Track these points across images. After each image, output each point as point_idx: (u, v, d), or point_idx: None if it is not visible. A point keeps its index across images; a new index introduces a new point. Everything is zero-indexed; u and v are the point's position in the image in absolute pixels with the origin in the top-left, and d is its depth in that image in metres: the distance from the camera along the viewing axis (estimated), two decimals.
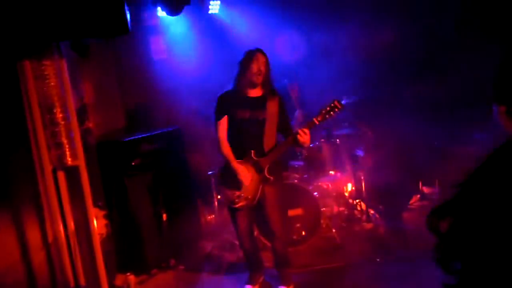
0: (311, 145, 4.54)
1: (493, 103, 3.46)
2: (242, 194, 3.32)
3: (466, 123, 4.87)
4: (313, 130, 3.34)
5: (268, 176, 3.31)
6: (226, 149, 3.38)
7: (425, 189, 5.50)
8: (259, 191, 3.33)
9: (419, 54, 5.56)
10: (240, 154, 3.36)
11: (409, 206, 5.19)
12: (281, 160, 3.59)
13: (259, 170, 3.32)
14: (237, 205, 3.33)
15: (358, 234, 4.66)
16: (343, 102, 3.35)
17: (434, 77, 5.44)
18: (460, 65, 5.10)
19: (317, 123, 3.27)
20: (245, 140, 3.34)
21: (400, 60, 5.61)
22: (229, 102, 3.38)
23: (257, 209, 3.42)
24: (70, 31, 2.83)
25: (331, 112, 3.25)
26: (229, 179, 3.35)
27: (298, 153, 4.72)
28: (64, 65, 3.01)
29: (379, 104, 5.32)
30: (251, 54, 3.29)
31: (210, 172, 4.74)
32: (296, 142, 3.25)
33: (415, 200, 5.36)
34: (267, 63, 3.31)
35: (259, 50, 3.32)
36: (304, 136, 3.21)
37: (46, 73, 2.95)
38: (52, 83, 2.97)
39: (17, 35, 2.75)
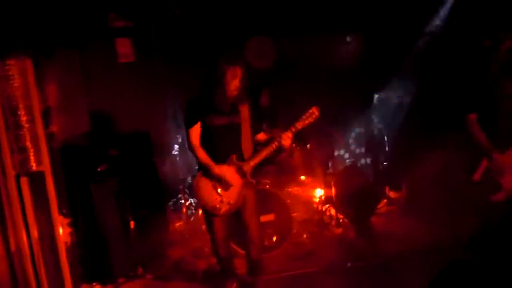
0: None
1: (465, 112, 3.56)
2: (224, 200, 3.24)
3: (433, 128, 5.00)
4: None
5: (250, 180, 3.26)
6: (203, 154, 3.28)
7: (392, 194, 5.60)
8: (242, 196, 3.27)
9: (386, 60, 5.67)
10: (220, 159, 3.28)
11: (376, 211, 5.25)
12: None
13: (242, 174, 3.25)
14: (220, 212, 3.25)
15: (329, 239, 4.68)
16: (318, 109, 3.33)
17: (405, 82, 5.57)
18: (431, 71, 5.24)
19: (299, 128, 3.23)
20: (224, 146, 3.27)
21: (369, 67, 5.72)
22: (203, 109, 3.29)
23: (235, 215, 3.36)
24: (40, 35, 2.70)
25: (310, 119, 3.23)
26: (208, 185, 3.27)
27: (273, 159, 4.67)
28: (30, 65, 2.85)
29: (349, 109, 5.41)
30: (228, 68, 3.13)
31: (181, 178, 4.64)
32: (280, 147, 3.22)
33: (382, 204, 5.43)
34: (244, 74, 3.20)
35: (237, 62, 3.16)
36: (287, 140, 3.18)
37: (10, 73, 2.79)
38: (16, 84, 2.81)
39: None
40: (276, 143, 3.21)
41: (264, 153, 3.27)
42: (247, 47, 5.60)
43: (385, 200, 5.52)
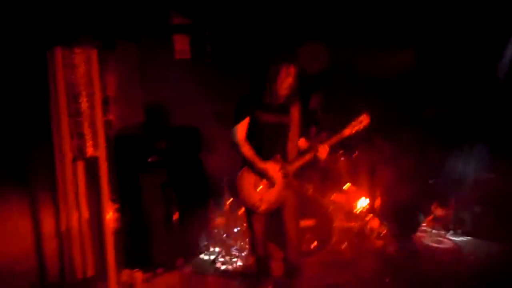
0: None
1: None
2: (264, 198, 3.27)
3: (484, 151, 4.85)
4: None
5: (293, 181, 3.28)
6: (249, 150, 3.29)
7: (438, 211, 5.43)
8: (282, 196, 3.29)
9: (436, 76, 5.55)
10: (265, 157, 3.30)
11: (421, 227, 5.12)
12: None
13: (285, 174, 3.27)
14: (259, 209, 3.28)
15: (368, 251, 4.60)
16: (368, 116, 3.30)
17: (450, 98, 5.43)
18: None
19: (346, 135, 3.22)
20: (270, 144, 3.28)
21: (418, 81, 5.61)
22: (252, 105, 3.32)
23: (274, 215, 3.37)
24: (102, 24, 2.84)
25: (358, 126, 3.21)
26: (250, 182, 3.30)
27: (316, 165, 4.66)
28: (95, 55, 3.01)
29: (398, 122, 5.30)
30: (282, 65, 3.15)
31: (226, 175, 4.69)
32: (315, 157, 3.24)
33: (427, 221, 5.28)
34: (295, 73, 3.24)
35: (290, 61, 3.17)
36: (322, 153, 3.20)
37: (75, 61, 2.95)
38: (80, 72, 2.97)
39: (52, 23, 2.76)
40: (312, 154, 3.22)
41: (304, 159, 3.28)
42: (300, 52, 5.61)
43: (431, 217, 5.36)
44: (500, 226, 4.49)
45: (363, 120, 3.23)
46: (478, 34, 5.27)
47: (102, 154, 3.10)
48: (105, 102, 3.85)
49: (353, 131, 3.24)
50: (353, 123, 3.24)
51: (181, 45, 5.28)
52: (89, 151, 3.06)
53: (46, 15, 2.72)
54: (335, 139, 3.24)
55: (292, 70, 3.16)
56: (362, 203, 4.97)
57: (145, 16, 4.67)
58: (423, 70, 5.66)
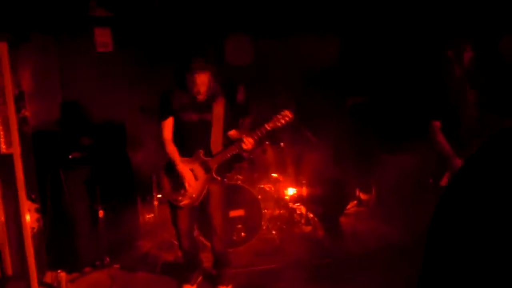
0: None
1: (429, 118, 3.65)
2: (187, 193, 3.29)
3: (405, 132, 5.12)
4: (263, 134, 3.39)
5: (215, 177, 3.31)
6: (171, 149, 3.34)
7: (362, 196, 5.72)
8: (204, 191, 3.32)
9: (358, 66, 5.80)
10: (188, 153, 3.34)
11: (346, 211, 5.36)
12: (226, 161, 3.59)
13: (207, 170, 3.31)
14: (180, 203, 3.29)
15: (298, 236, 4.75)
16: (292, 112, 3.39)
17: (372, 88, 5.70)
18: (399, 76, 5.37)
19: (268, 129, 3.31)
20: (193, 141, 3.33)
21: (341, 71, 5.84)
22: (175, 103, 3.34)
23: (199, 208, 3.40)
24: (14, 15, 2.71)
25: (282, 120, 3.30)
26: (173, 177, 3.31)
27: (242, 156, 4.73)
28: (5, 48, 2.86)
29: (322, 111, 5.49)
30: (191, 73, 3.22)
31: (153, 170, 4.65)
32: (240, 148, 3.30)
33: (352, 205, 5.54)
34: (209, 78, 3.27)
35: (199, 69, 3.23)
36: (247, 145, 3.27)
37: None
38: None
39: None
40: (237, 145, 3.29)
41: (228, 153, 3.33)
42: (225, 44, 5.64)
43: (355, 202, 5.63)
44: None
45: (287, 115, 3.32)
46: (400, 24, 5.56)
47: (16, 150, 2.95)
48: (20, 97, 3.67)
49: (277, 126, 3.33)
50: (276, 117, 3.32)
51: (102, 37, 5.13)
52: (2, 148, 2.90)
53: None
54: (259, 132, 3.30)
55: (205, 77, 3.25)
56: (290, 191, 5.11)
57: (62, 7, 4.50)
58: (347, 60, 5.89)
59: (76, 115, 4.56)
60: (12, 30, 3.39)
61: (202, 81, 3.24)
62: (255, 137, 3.30)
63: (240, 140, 3.29)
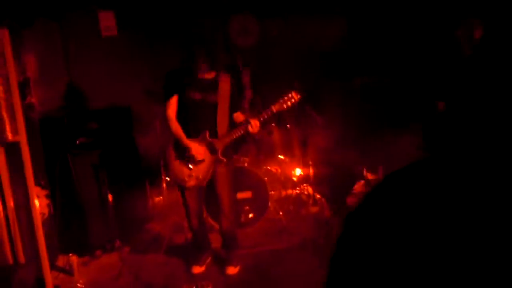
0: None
1: (434, 99, 3.62)
2: (193, 174, 3.30)
3: (413, 112, 5.08)
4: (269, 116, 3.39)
5: (221, 158, 3.32)
6: (176, 127, 3.34)
7: (369, 176, 5.70)
8: (210, 172, 3.33)
9: (366, 46, 5.72)
10: (194, 134, 3.33)
11: (352, 192, 5.36)
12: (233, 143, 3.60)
13: (212, 151, 3.31)
14: (187, 185, 3.32)
15: (305, 217, 4.78)
16: (298, 93, 3.38)
17: (380, 68, 5.64)
18: (405, 58, 5.30)
19: (274, 111, 3.31)
20: (198, 121, 3.33)
21: (348, 51, 5.76)
22: (179, 82, 3.33)
23: (207, 189, 3.43)
24: (20, 4, 2.70)
25: (288, 102, 3.29)
26: (179, 158, 3.32)
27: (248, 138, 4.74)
28: (6, 34, 2.85)
29: (328, 92, 5.46)
30: (195, 52, 3.22)
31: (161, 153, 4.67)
32: (247, 131, 3.30)
33: (358, 185, 5.54)
34: (212, 55, 3.25)
35: (202, 50, 3.22)
36: (254, 128, 3.27)
37: None
38: None
39: None
40: (244, 128, 3.28)
41: (234, 135, 3.33)
42: (230, 25, 5.59)
43: (362, 181, 5.62)
44: None
45: (293, 97, 3.31)
46: (408, 2, 5.46)
47: (23, 138, 2.97)
48: (26, 84, 3.69)
49: (283, 108, 3.32)
50: (282, 99, 3.31)
51: (107, 21, 5.10)
52: (9, 136, 2.93)
53: None
54: (265, 114, 3.30)
55: (206, 59, 3.24)
56: (297, 172, 5.12)
57: None
58: (354, 39, 5.82)
59: (82, 100, 4.58)
60: (15, 16, 3.39)
61: (202, 62, 3.23)
62: (261, 120, 3.30)
63: (246, 123, 3.28)
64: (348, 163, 5.27)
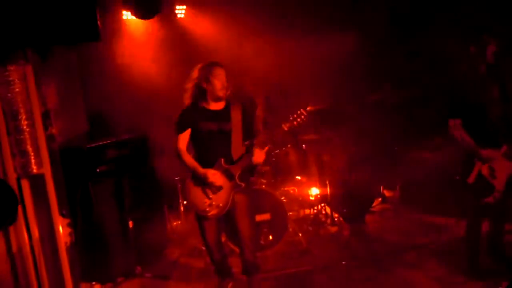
0: (277, 151, 4.66)
1: (449, 118, 3.62)
2: (213, 203, 3.32)
3: (426, 129, 5.08)
4: (280, 136, 3.42)
5: (239, 183, 3.34)
6: (188, 158, 3.40)
7: (386, 193, 5.69)
8: (230, 199, 3.35)
9: (379, 63, 5.75)
10: (209, 163, 3.37)
11: (371, 209, 5.34)
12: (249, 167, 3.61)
13: (230, 177, 3.34)
14: (208, 214, 3.33)
15: (324, 237, 4.77)
16: (307, 110, 3.40)
17: (394, 85, 5.66)
18: (420, 74, 5.33)
19: (286, 129, 3.33)
20: (213, 151, 3.37)
21: (361, 69, 5.80)
22: (193, 116, 3.40)
23: (226, 217, 3.43)
24: (38, 38, 2.78)
25: (298, 119, 3.31)
26: (199, 188, 3.35)
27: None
28: (30, 70, 2.92)
29: (342, 111, 5.48)
30: (210, 70, 3.32)
31: (177, 178, 4.72)
32: (251, 161, 3.32)
33: (377, 203, 5.52)
34: (226, 76, 3.36)
35: (217, 65, 3.36)
36: (257, 157, 3.30)
37: (10, 78, 2.85)
38: (17, 89, 2.88)
39: None
40: (249, 159, 3.32)
41: (248, 160, 3.35)
42: (244, 47, 5.65)
43: (379, 199, 5.61)
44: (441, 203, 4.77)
45: (302, 113, 3.32)
46: (423, 19, 5.50)
47: (47, 170, 3.03)
48: (46, 115, 3.76)
49: (293, 125, 3.32)
50: (292, 117, 3.33)
51: (122, 49, 5.20)
52: (34, 168, 2.98)
53: None
54: (280, 130, 3.31)
55: (222, 71, 3.32)
56: (314, 192, 5.12)
57: (81, 22, 4.56)
58: (369, 56, 5.85)
59: (101, 128, 4.65)
60: (35, 50, 3.47)
61: (220, 74, 3.31)
62: (268, 146, 3.35)
63: (250, 154, 3.32)
64: (365, 181, 5.26)
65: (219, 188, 3.33)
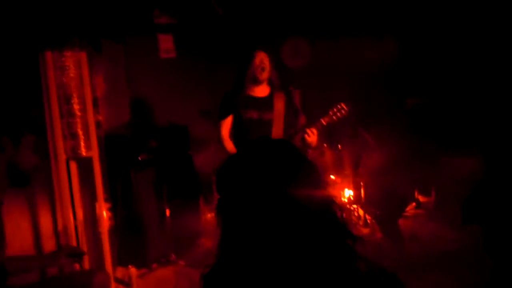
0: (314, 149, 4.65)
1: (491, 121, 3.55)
2: None
3: (462, 134, 5.01)
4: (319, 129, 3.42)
5: None
6: (231, 146, 3.44)
7: (421, 198, 5.63)
8: None
9: (415, 67, 5.71)
10: None
11: (404, 214, 5.30)
12: None
13: None
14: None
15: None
16: (347, 106, 3.40)
17: (432, 88, 5.60)
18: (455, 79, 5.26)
19: (324, 124, 3.32)
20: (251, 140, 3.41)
21: (400, 71, 5.77)
22: (236, 102, 3.43)
23: None
24: (93, 29, 2.93)
25: (338, 114, 3.31)
26: None
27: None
28: (84, 57, 3.08)
29: (379, 113, 5.46)
30: (251, 52, 3.38)
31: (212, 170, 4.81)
32: (304, 142, 3.30)
33: (410, 207, 5.48)
34: (270, 60, 3.38)
35: (259, 48, 3.41)
36: (312, 136, 3.26)
37: (66, 64, 3.01)
38: (71, 74, 3.04)
39: (42, 27, 2.83)
40: (300, 137, 3.29)
41: None
42: (282, 48, 5.72)
43: (413, 204, 5.56)
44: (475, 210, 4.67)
45: (343, 108, 3.33)
46: (461, 23, 5.43)
47: (95, 154, 3.18)
48: (95, 103, 3.92)
49: (333, 120, 3.32)
50: (331, 111, 3.33)
51: (166, 44, 5.35)
52: (83, 151, 3.13)
53: (37, 19, 2.78)
54: (315, 128, 3.31)
55: (264, 55, 3.36)
56: (348, 193, 5.12)
57: (130, 16, 4.74)
58: (405, 59, 5.81)
59: (143, 118, 4.80)
60: (88, 39, 3.64)
61: (262, 59, 3.34)
62: (318, 128, 3.30)
63: (303, 132, 3.29)
64: (400, 184, 5.22)
65: None
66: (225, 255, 1.16)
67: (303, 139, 3.29)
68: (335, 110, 3.33)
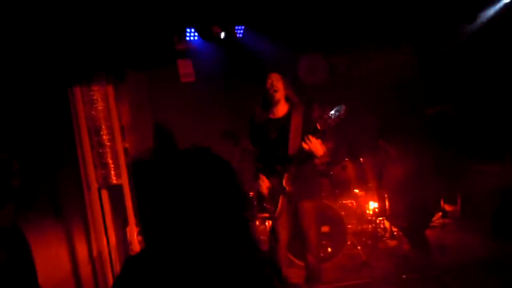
0: (336, 165, 4.73)
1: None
2: (266, 206, 3.48)
3: (489, 141, 4.99)
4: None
5: (284, 186, 3.43)
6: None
7: (447, 207, 5.60)
8: (280, 203, 3.45)
9: (434, 76, 5.73)
10: (270, 170, 3.53)
11: (431, 224, 5.28)
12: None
13: (280, 180, 3.46)
14: (275, 215, 3.46)
15: (383, 251, 4.77)
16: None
17: (452, 97, 5.60)
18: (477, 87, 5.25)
19: (320, 128, 3.27)
20: (273, 158, 3.51)
21: (419, 81, 5.79)
22: (259, 127, 3.58)
23: (294, 222, 3.54)
24: (117, 62, 3.07)
25: (332, 117, 3.26)
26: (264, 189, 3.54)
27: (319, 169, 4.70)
28: (111, 90, 3.23)
29: (400, 124, 5.49)
30: (267, 75, 3.50)
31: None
32: (304, 152, 3.31)
33: (437, 217, 5.45)
34: (283, 80, 3.48)
35: (270, 70, 3.53)
36: (311, 144, 3.26)
37: (94, 97, 3.17)
38: (99, 107, 3.19)
39: (70, 64, 2.99)
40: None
41: (297, 161, 3.42)
42: (300, 64, 5.81)
43: (440, 213, 5.53)
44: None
45: (337, 111, 3.31)
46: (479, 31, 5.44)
47: (125, 181, 3.31)
48: (121, 131, 4.08)
49: (328, 124, 3.24)
50: (326, 115, 3.33)
51: (185, 68, 5.51)
52: (113, 180, 3.26)
53: (65, 57, 2.95)
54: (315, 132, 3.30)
55: (276, 76, 3.46)
56: (373, 205, 5.14)
57: (151, 45, 4.91)
58: (423, 69, 5.84)
59: (167, 143, 4.93)
60: (114, 72, 3.80)
61: (273, 81, 3.44)
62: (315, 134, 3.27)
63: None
64: (425, 195, 5.21)
65: (276, 192, 3.46)
66: (148, 245, 1.34)
67: (302, 149, 3.31)
68: (330, 113, 3.31)
